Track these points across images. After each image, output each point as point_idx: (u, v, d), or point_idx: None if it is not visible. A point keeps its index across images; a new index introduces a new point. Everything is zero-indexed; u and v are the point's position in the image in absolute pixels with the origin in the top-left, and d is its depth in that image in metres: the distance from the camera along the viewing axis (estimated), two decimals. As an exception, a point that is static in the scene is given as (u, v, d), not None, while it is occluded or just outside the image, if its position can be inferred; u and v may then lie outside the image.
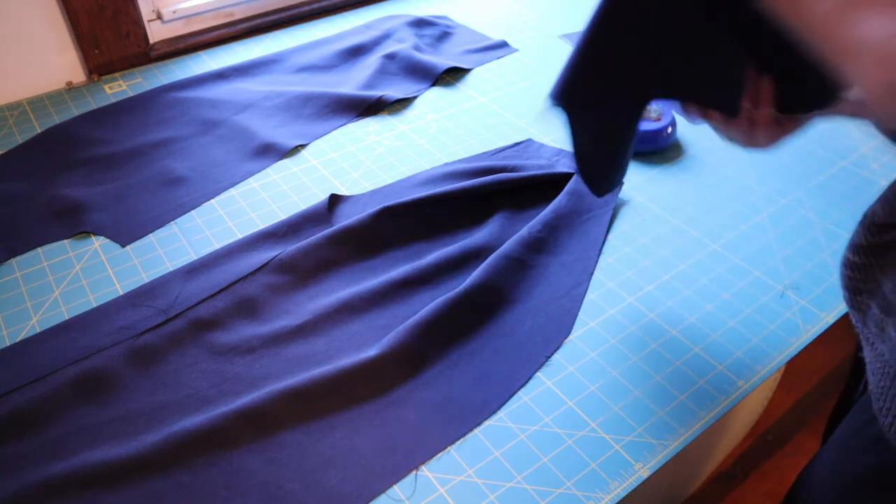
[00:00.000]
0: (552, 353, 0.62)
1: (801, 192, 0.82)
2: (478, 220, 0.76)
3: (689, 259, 0.72)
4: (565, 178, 0.80)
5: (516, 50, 1.13)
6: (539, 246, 0.72)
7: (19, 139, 0.89)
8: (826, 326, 0.66)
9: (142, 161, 0.86)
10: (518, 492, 0.52)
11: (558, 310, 0.66)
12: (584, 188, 0.78)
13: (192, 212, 0.79)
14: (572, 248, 0.72)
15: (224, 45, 1.13)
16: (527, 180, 0.79)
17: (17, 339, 0.63)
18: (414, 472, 0.53)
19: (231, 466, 0.53)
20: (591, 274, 0.70)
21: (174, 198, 0.81)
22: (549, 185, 0.79)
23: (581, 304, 0.67)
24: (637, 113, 0.56)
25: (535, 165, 0.83)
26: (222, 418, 0.55)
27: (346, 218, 0.76)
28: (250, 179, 0.84)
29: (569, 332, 0.64)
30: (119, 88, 1.01)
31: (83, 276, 0.70)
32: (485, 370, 0.60)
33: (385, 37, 1.14)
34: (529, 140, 0.89)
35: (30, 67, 0.98)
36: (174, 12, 1.09)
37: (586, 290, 0.68)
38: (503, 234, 0.74)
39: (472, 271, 0.68)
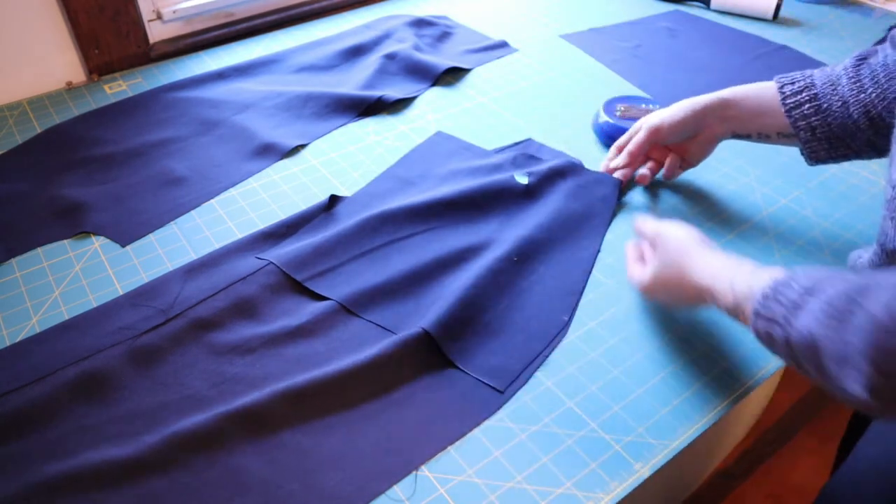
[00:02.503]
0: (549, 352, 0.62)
1: (801, 192, 0.82)
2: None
3: (689, 259, 0.72)
4: (563, 174, 0.80)
5: (516, 50, 1.13)
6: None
7: (19, 139, 0.89)
8: (826, 326, 0.66)
9: (142, 161, 0.86)
10: (518, 492, 0.52)
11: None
12: (583, 188, 0.78)
13: (192, 212, 0.79)
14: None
15: (224, 45, 1.13)
16: (525, 184, 0.79)
17: (17, 339, 0.63)
18: (414, 472, 0.53)
19: (231, 467, 0.53)
20: (589, 273, 0.70)
21: (174, 198, 0.81)
22: (547, 184, 0.80)
23: (580, 297, 0.67)
24: None
25: (535, 164, 0.83)
26: (222, 419, 0.55)
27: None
28: (250, 179, 0.84)
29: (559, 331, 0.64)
30: (119, 88, 1.01)
31: (83, 276, 0.70)
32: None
33: (385, 37, 1.14)
34: (529, 140, 0.89)
35: (30, 67, 0.98)
36: (174, 12, 1.09)
37: (583, 290, 0.68)
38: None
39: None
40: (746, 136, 0.73)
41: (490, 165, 0.84)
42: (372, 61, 1.06)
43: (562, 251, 0.72)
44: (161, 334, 0.63)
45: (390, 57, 1.06)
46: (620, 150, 0.80)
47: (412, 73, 1.04)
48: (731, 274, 0.52)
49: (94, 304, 0.67)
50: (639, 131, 0.77)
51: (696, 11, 1.26)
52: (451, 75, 1.05)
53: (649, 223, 0.64)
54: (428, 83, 1.02)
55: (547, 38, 1.16)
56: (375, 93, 0.98)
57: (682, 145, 0.77)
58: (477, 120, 0.95)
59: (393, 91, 0.99)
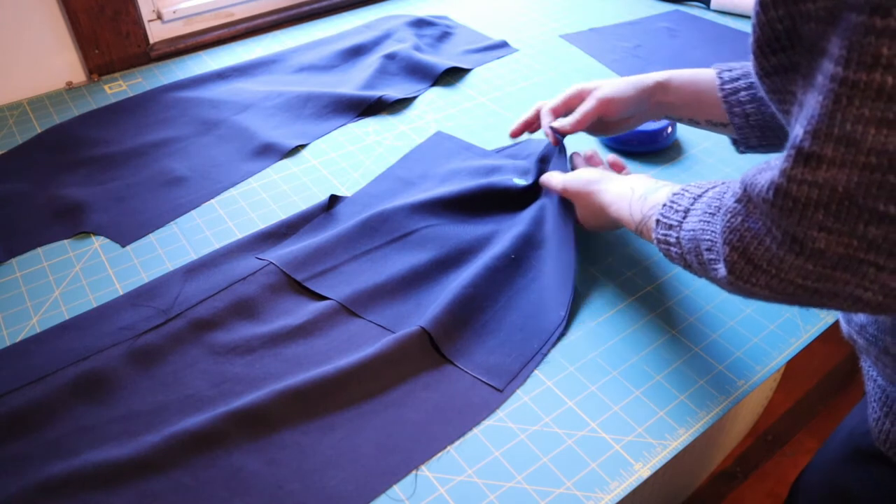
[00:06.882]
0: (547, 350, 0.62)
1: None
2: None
3: (689, 259, 0.72)
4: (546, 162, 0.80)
5: (516, 50, 1.13)
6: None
7: (19, 139, 0.90)
8: (826, 327, 0.66)
9: (142, 161, 0.86)
10: (518, 492, 0.52)
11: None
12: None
13: (192, 212, 0.79)
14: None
15: (224, 45, 1.13)
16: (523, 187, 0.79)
17: (17, 339, 0.63)
18: (414, 472, 0.53)
19: (231, 467, 0.53)
20: (574, 252, 0.69)
21: (174, 198, 0.81)
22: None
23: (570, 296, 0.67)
24: None
25: (535, 164, 0.83)
26: (222, 419, 0.55)
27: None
28: (250, 179, 0.84)
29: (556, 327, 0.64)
30: (119, 88, 1.01)
31: (83, 276, 0.70)
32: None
33: (385, 37, 1.14)
34: (529, 140, 0.89)
35: (30, 67, 0.98)
36: (174, 12, 1.09)
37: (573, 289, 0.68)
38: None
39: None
40: (678, 120, 0.75)
41: (490, 165, 0.84)
42: (372, 61, 1.06)
43: (557, 243, 0.71)
44: (161, 334, 0.63)
45: (390, 57, 1.06)
46: (556, 111, 0.77)
47: (412, 73, 1.04)
48: (627, 201, 0.60)
49: (94, 304, 0.67)
50: (586, 100, 0.74)
51: (696, 11, 1.26)
52: (451, 75, 1.05)
53: (554, 178, 0.71)
54: (428, 83, 1.02)
55: (547, 38, 1.16)
56: (375, 93, 0.98)
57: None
58: (477, 120, 0.95)
59: (393, 91, 0.99)
